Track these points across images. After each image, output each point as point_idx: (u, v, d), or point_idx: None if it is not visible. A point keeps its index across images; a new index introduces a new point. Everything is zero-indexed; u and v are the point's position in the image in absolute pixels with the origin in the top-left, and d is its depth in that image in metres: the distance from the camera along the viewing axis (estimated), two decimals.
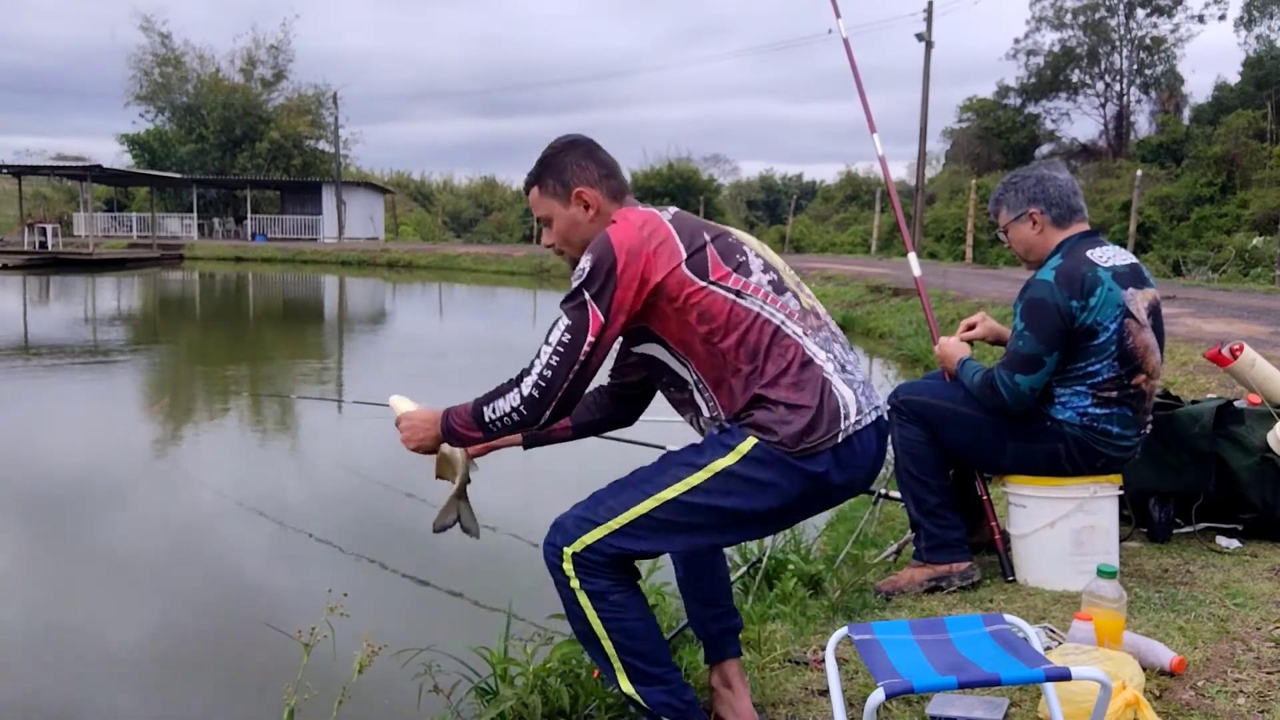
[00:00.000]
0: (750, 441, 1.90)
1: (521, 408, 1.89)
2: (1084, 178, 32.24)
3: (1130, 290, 2.93)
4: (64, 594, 4.37)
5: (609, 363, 2.16)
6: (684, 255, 1.92)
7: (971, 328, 3.32)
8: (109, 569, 4.72)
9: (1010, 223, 3.12)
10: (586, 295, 1.88)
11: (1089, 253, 2.96)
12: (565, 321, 1.88)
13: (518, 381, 1.91)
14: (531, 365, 1.89)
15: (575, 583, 1.94)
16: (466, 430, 1.98)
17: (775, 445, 1.88)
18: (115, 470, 6.70)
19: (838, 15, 3.83)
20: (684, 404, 2.09)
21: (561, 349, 1.87)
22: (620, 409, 2.28)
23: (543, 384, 1.88)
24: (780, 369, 1.92)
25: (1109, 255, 2.98)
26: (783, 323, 1.95)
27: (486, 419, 1.93)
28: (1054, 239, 3.04)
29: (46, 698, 3.42)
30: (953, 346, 3.19)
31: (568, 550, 1.94)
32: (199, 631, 3.95)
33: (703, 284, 1.91)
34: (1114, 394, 2.94)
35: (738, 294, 1.93)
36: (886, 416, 2.07)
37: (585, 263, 1.89)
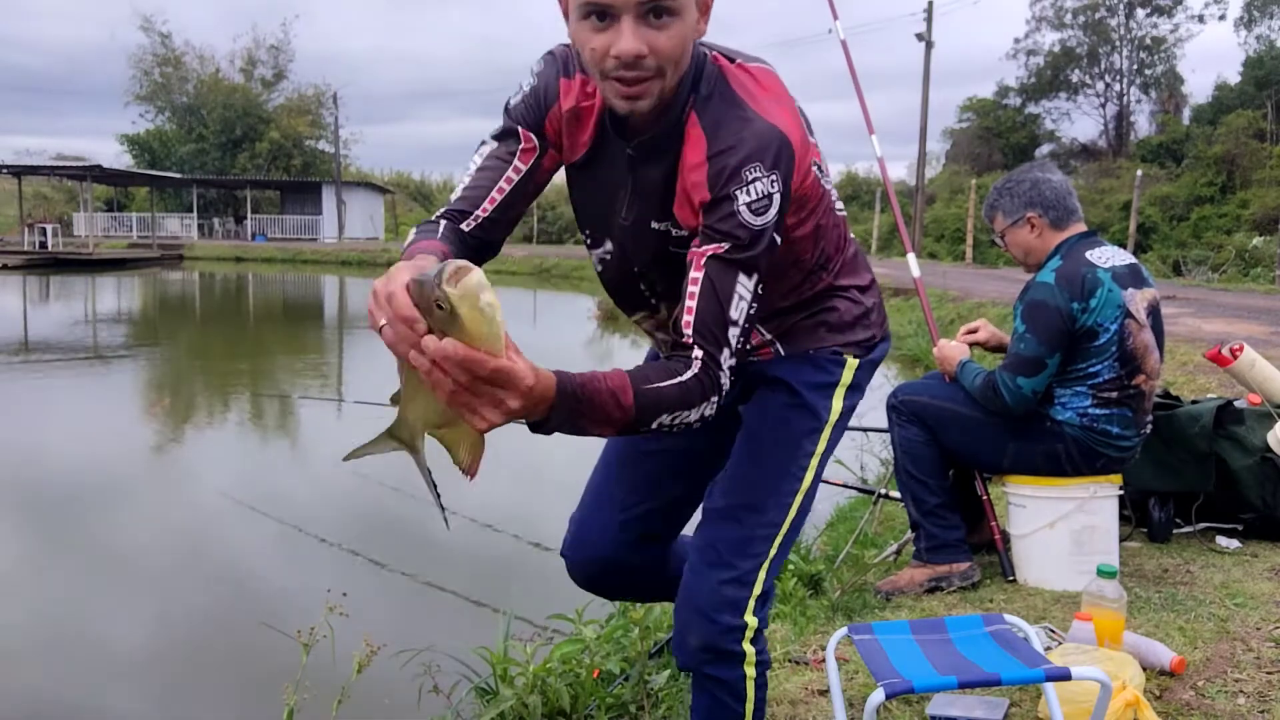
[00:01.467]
0: (852, 364, 1.65)
1: (717, 410, 1.37)
2: (1084, 178, 32.25)
3: (1130, 290, 2.94)
4: (64, 593, 4.37)
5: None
6: (815, 143, 1.52)
7: (973, 332, 3.31)
8: (109, 568, 4.72)
9: (1008, 228, 3.12)
10: (772, 235, 1.35)
11: (1088, 253, 2.97)
12: (752, 282, 1.35)
13: (714, 383, 1.33)
14: (719, 354, 1.33)
15: (754, 669, 1.59)
16: (601, 429, 1.28)
17: (868, 343, 1.68)
18: (116, 470, 6.70)
19: (835, 17, 3.83)
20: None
21: (749, 321, 1.36)
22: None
23: (733, 372, 1.37)
24: (848, 255, 1.68)
25: (1108, 256, 2.99)
26: (841, 209, 1.68)
27: (655, 425, 1.30)
28: (1052, 241, 3.05)
29: (46, 696, 3.42)
30: (952, 349, 3.19)
31: (751, 620, 1.56)
32: (198, 631, 3.95)
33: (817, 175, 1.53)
34: (1114, 394, 2.94)
35: (826, 178, 1.58)
36: None
37: (769, 185, 1.33)
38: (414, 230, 1.43)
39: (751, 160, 1.33)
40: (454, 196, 1.48)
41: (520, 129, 1.48)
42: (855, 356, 1.66)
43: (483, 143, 1.51)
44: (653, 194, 1.46)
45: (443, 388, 1.04)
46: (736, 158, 1.33)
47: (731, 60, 1.45)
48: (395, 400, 1.19)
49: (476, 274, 1.02)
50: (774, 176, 1.33)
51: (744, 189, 1.32)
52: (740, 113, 1.37)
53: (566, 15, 1.36)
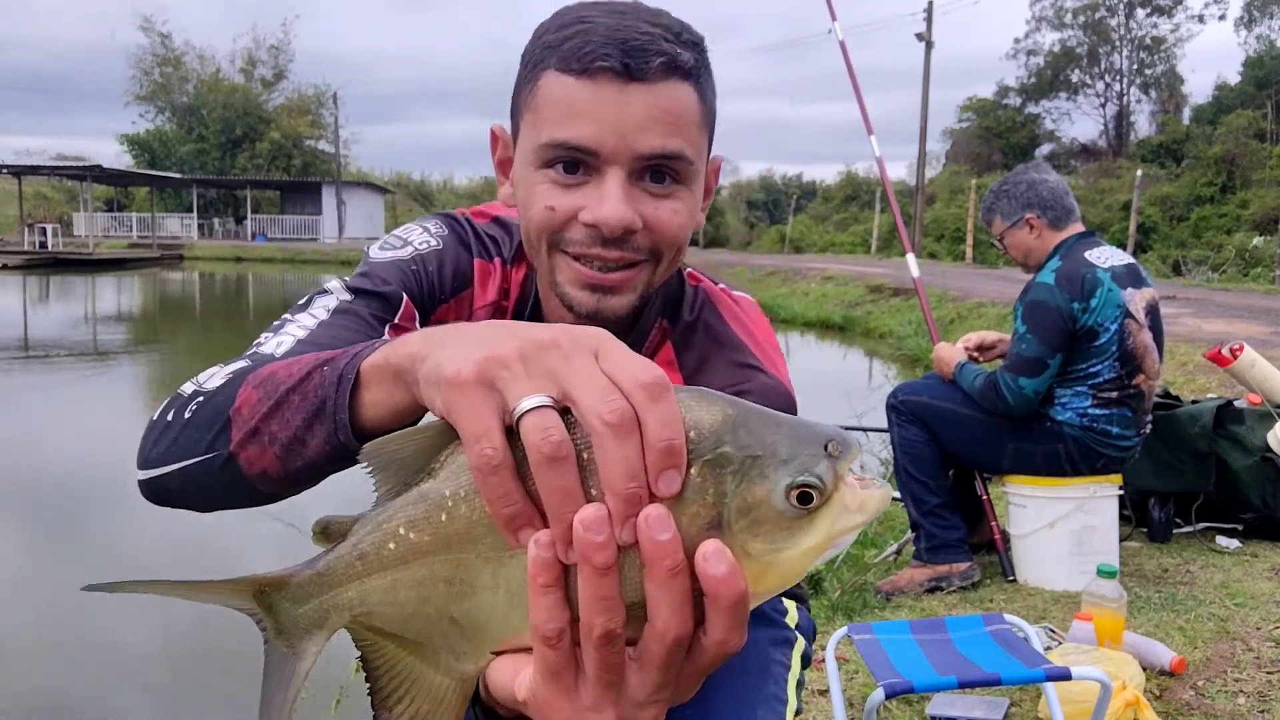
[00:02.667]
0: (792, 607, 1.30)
1: None
2: (1084, 178, 32.28)
3: (1129, 290, 2.95)
4: (65, 593, 4.37)
5: None
6: None
7: (969, 343, 3.30)
8: (109, 568, 4.72)
9: (1006, 230, 3.12)
10: None
11: (1087, 253, 2.98)
12: None
13: None
14: None
15: None
16: None
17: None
18: (116, 471, 6.70)
19: (834, 19, 3.84)
20: None
21: None
22: None
23: None
24: None
25: (1107, 256, 3.00)
26: None
27: None
28: (1052, 241, 3.05)
29: (48, 696, 3.42)
30: (949, 351, 3.20)
31: None
32: (197, 630, 3.95)
33: None
34: (1114, 394, 2.94)
35: None
36: None
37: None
38: (230, 368, 0.87)
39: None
40: (277, 348, 0.93)
41: (403, 296, 0.99)
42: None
43: (324, 291, 1.00)
44: None
45: (610, 613, 0.48)
46: None
47: (715, 283, 1.11)
48: (327, 533, 0.59)
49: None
50: None
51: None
52: (739, 356, 1.02)
53: (503, 162, 0.99)
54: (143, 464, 0.82)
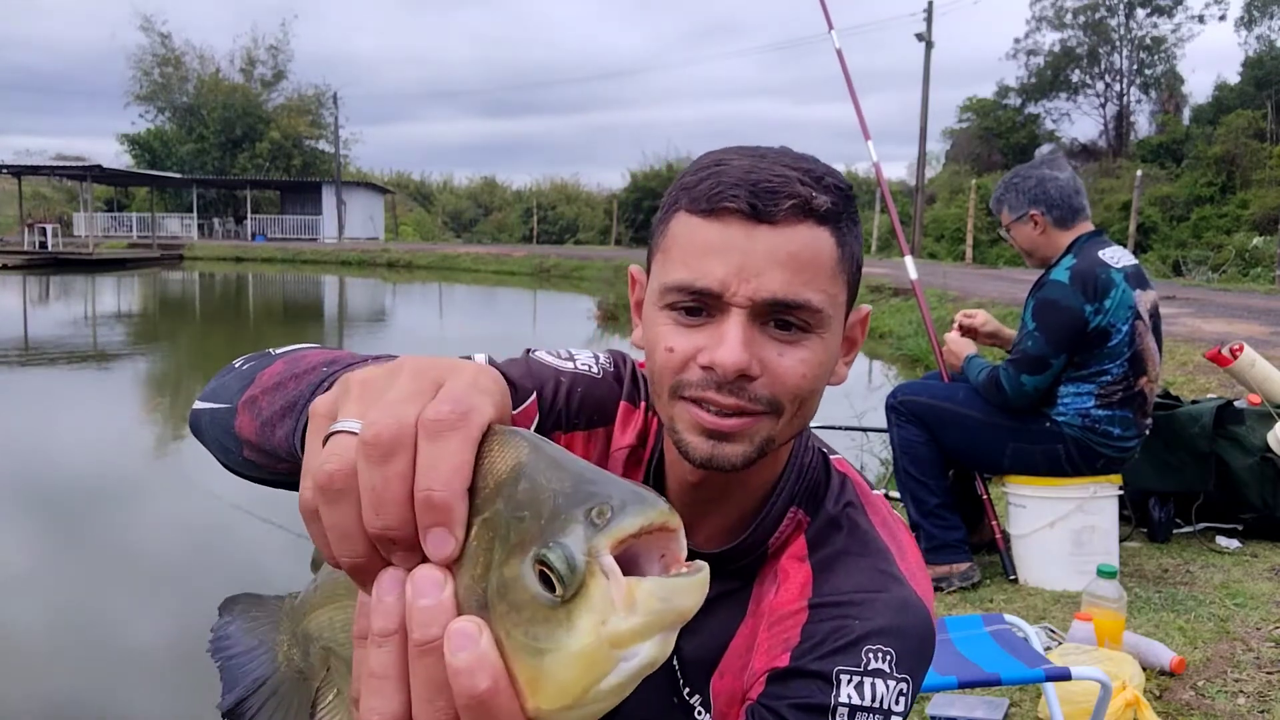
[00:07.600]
0: None
1: None
2: (1084, 178, 32.11)
3: (1138, 292, 2.97)
4: (66, 594, 4.37)
5: None
6: None
7: (970, 317, 3.32)
8: (109, 570, 4.73)
9: (1012, 223, 3.13)
10: None
11: (1100, 253, 2.99)
12: None
13: None
14: None
15: None
16: None
17: None
18: (115, 472, 6.70)
19: (830, 27, 3.85)
20: None
21: None
22: None
23: None
24: None
25: (1118, 256, 3.02)
26: None
27: None
28: (1059, 239, 3.05)
29: (53, 695, 3.42)
30: (961, 344, 3.23)
31: None
32: (196, 633, 3.95)
33: None
34: (1119, 395, 2.95)
35: None
36: None
37: (891, 695, 0.83)
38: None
39: (882, 638, 0.83)
40: None
41: (534, 395, 0.96)
42: None
43: (466, 356, 0.93)
44: (686, 643, 0.91)
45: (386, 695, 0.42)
46: (862, 624, 0.84)
47: (869, 483, 1.00)
48: (314, 562, 0.59)
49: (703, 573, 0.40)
50: (903, 685, 0.82)
51: (856, 679, 0.81)
52: (881, 564, 0.90)
53: (639, 304, 0.95)
54: (199, 397, 0.86)
